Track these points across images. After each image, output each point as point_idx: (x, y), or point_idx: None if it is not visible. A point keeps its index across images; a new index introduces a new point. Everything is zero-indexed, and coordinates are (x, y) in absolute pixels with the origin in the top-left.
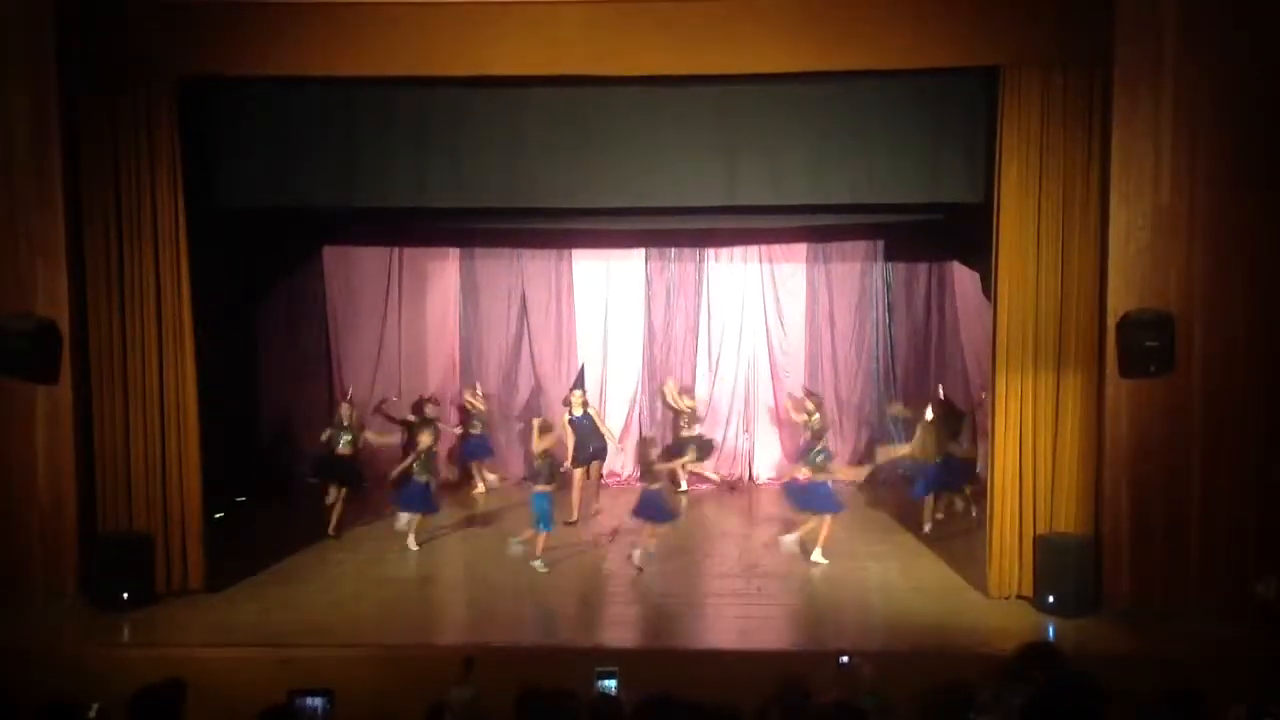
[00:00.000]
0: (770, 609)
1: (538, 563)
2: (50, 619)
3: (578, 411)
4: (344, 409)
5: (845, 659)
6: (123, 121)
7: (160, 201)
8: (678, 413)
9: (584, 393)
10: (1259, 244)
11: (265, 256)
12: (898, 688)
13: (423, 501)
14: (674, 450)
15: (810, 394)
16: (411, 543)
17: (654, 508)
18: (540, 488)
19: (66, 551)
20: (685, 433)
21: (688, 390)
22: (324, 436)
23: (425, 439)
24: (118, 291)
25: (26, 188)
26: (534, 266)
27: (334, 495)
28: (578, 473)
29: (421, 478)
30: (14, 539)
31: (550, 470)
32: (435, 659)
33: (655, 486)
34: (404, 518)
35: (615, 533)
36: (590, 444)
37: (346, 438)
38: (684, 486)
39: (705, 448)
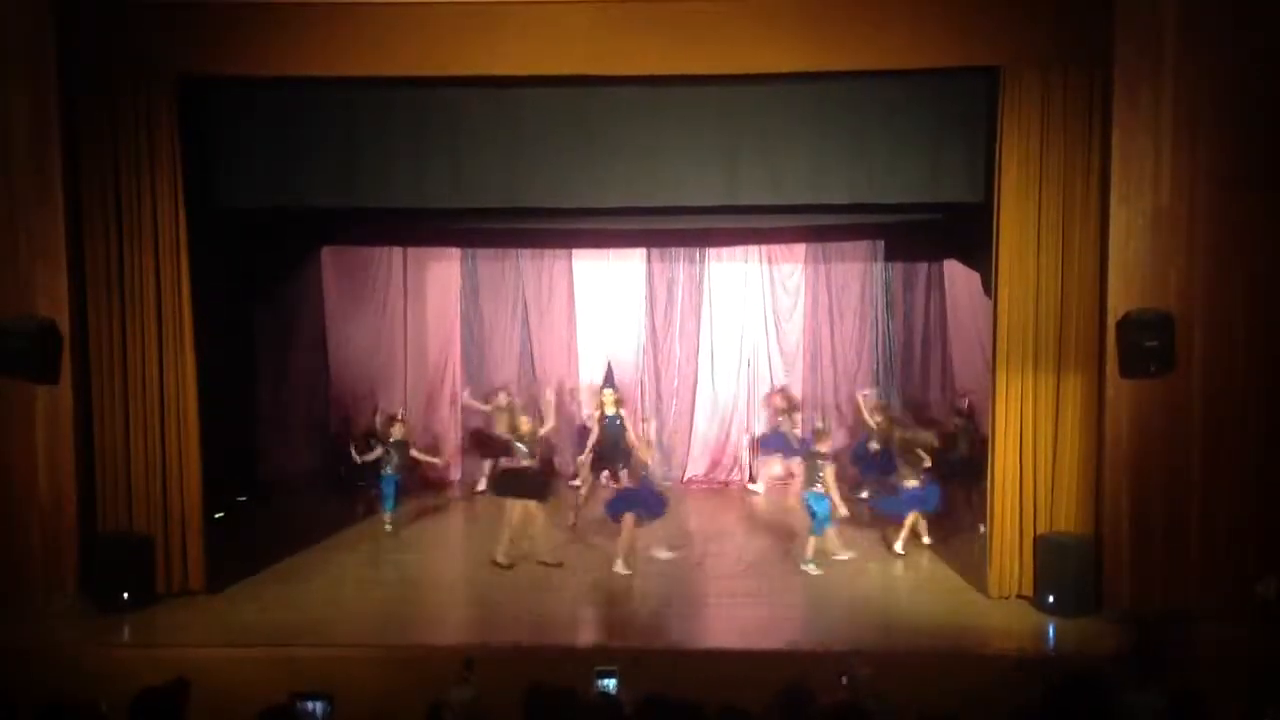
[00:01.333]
0: (770, 609)
1: (810, 565)
2: (50, 619)
3: (610, 411)
4: (525, 424)
5: (845, 680)
6: (122, 121)
7: (160, 201)
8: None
9: (615, 391)
10: (1259, 244)
11: (265, 256)
12: (898, 688)
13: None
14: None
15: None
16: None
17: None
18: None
19: (66, 551)
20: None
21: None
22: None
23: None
24: (118, 291)
25: (26, 187)
26: (535, 267)
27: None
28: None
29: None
30: (14, 539)
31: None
32: (435, 659)
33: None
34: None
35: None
36: (615, 449)
37: (524, 449)
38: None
39: None
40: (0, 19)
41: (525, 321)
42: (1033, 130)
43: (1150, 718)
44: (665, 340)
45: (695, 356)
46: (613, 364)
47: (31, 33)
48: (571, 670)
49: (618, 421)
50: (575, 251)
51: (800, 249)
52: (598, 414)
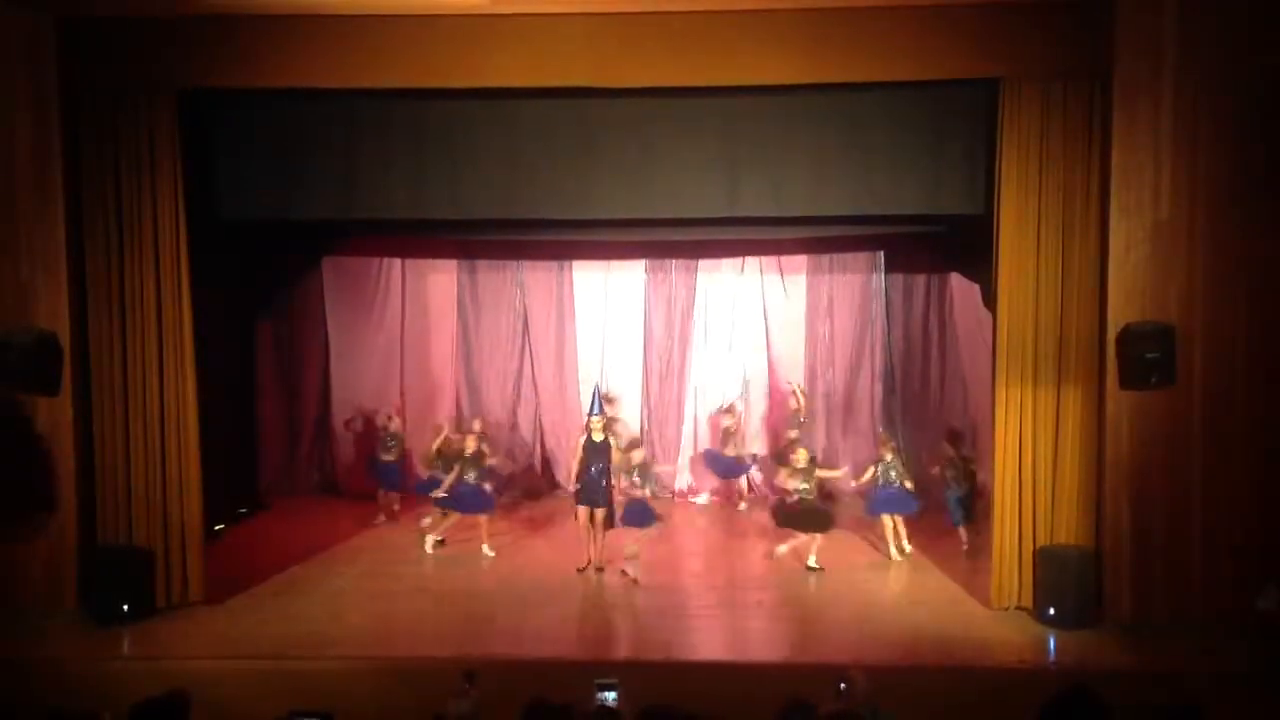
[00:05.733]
0: (771, 621)
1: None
2: (50, 632)
3: (598, 437)
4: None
5: (843, 686)
6: (123, 134)
7: (161, 214)
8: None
9: (603, 417)
10: (1259, 256)
11: (265, 267)
12: (898, 699)
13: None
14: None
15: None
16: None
17: (637, 514)
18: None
19: (66, 564)
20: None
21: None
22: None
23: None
24: (118, 304)
25: (27, 199)
26: (534, 278)
27: None
28: (581, 512)
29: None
30: (14, 552)
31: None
32: (435, 671)
33: (638, 494)
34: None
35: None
36: (593, 475)
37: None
38: None
39: None
40: (2, 32)
41: (524, 332)
42: (1033, 143)
43: None
44: (664, 351)
45: (694, 367)
46: (608, 376)
47: (34, 46)
48: (571, 682)
49: (604, 447)
50: (575, 263)
51: (801, 260)
52: (582, 441)
